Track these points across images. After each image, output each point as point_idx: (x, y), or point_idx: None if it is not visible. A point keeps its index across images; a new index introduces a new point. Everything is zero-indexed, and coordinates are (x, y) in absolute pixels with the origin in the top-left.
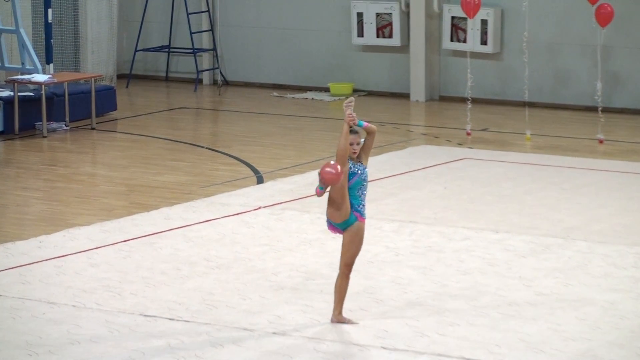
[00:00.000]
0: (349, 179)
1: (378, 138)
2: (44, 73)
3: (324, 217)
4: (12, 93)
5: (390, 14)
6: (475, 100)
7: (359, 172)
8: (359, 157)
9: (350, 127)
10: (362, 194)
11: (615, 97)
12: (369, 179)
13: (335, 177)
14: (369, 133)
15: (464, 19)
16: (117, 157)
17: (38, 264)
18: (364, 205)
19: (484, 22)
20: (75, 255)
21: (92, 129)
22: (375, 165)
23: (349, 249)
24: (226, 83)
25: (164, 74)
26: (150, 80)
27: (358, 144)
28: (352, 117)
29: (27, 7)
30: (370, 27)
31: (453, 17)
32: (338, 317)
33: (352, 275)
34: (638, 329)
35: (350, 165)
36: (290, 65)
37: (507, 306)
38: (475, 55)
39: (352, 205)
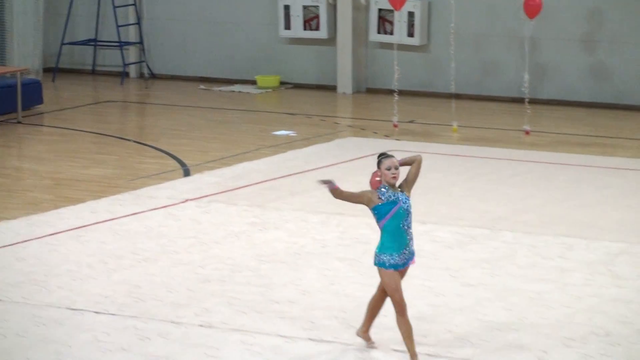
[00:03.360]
0: (389, 209)
1: (305, 130)
2: None
3: (251, 209)
4: None
5: (317, 6)
6: (402, 92)
7: (402, 201)
8: (401, 186)
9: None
10: (408, 226)
11: (542, 89)
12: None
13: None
14: (414, 162)
15: (391, 11)
16: (43, 151)
17: None
18: (410, 243)
19: (410, 14)
20: (1, 249)
21: (18, 122)
22: (302, 158)
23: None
24: (153, 76)
25: (90, 67)
26: (77, 73)
27: (396, 167)
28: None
29: None
30: (297, 20)
31: (380, 10)
32: (363, 335)
33: (278, 266)
34: (564, 319)
35: (391, 194)
36: (217, 58)
37: (434, 297)
38: (402, 47)
39: (386, 248)
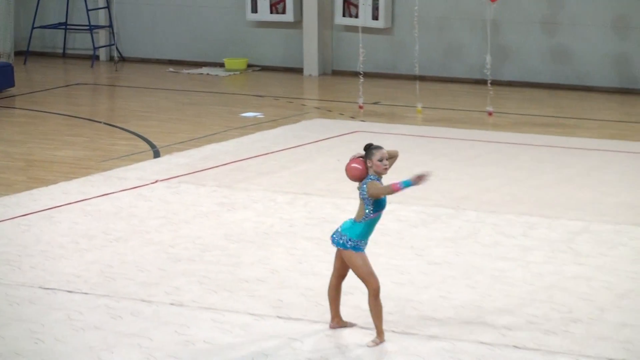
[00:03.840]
0: (385, 202)
1: (273, 112)
2: None
3: (219, 190)
4: None
5: None
6: (367, 74)
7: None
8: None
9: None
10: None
11: (504, 70)
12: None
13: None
14: (393, 157)
15: None
16: (15, 133)
17: None
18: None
19: None
20: None
21: None
22: (269, 139)
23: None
24: (123, 59)
25: (61, 51)
26: (48, 56)
27: (387, 158)
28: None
29: None
30: (264, 3)
31: None
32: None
33: (247, 246)
34: (527, 296)
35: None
36: (186, 41)
37: (399, 275)
38: (367, 30)
39: (363, 236)
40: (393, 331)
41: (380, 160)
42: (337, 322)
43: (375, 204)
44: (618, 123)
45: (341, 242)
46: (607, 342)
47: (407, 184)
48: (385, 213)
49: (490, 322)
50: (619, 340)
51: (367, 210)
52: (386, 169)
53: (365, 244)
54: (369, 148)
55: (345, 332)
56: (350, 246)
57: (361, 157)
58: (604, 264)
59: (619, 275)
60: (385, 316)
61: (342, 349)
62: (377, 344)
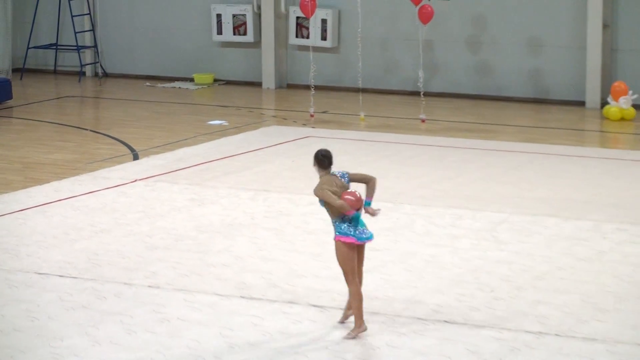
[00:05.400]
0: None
1: (236, 120)
2: None
3: (190, 187)
4: None
5: (245, 14)
6: (317, 87)
7: None
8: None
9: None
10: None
11: (434, 83)
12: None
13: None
14: (368, 182)
15: (307, 18)
16: (13, 139)
17: None
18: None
19: (323, 21)
20: None
21: None
22: (233, 143)
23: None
24: (106, 75)
25: (52, 68)
26: (41, 73)
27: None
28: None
29: None
30: (227, 26)
31: (298, 17)
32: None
33: (214, 236)
34: (456, 278)
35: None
36: (160, 59)
37: None
38: (316, 49)
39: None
40: (341, 308)
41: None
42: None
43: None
44: (532, 128)
45: (370, 235)
46: (525, 317)
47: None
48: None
49: (424, 300)
50: (534, 315)
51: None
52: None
53: (362, 232)
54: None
55: (298, 309)
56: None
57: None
58: (522, 249)
59: (535, 260)
60: (334, 295)
61: (297, 324)
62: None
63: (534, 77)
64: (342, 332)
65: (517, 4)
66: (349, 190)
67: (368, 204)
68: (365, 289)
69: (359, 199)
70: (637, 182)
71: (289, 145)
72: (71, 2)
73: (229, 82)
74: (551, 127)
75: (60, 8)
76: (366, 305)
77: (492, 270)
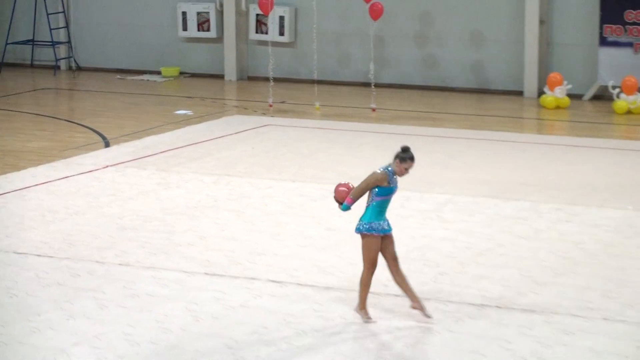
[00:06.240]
0: (390, 192)
1: (200, 110)
2: None
3: (158, 173)
4: None
5: (208, 12)
6: (275, 79)
7: (397, 188)
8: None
9: (406, 151)
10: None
11: (384, 75)
12: None
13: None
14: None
15: (266, 15)
16: None
17: None
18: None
19: (281, 18)
20: None
21: None
22: (198, 132)
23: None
24: (79, 68)
25: (29, 62)
26: (19, 67)
27: (410, 169)
28: None
29: None
30: (192, 23)
31: (257, 14)
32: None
33: (180, 217)
34: (405, 255)
35: (396, 181)
36: (130, 53)
37: (303, 239)
38: (275, 44)
39: (375, 217)
40: (298, 284)
41: (406, 168)
42: (415, 304)
43: (380, 189)
44: (475, 116)
45: (358, 227)
46: (468, 290)
47: (345, 208)
48: (290, 190)
49: (375, 276)
50: (477, 288)
51: (373, 194)
52: (403, 175)
53: (379, 224)
54: (407, 151)
55: (258, 284)
56: (364, 228)
57: (397, 156)
58: (465, 228)
59: (477, 237)
60: (291, 271)
61: (257, 299)
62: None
63: (476, 69)
64: (299, 305)
65: (461, 1)
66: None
67: (345, 207)
68: (320, 265)
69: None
70: (572, 165)
71: (249, 133)
72: (46, 0)
73: (193, 75)
74: (492, 115)
75: (37, 6)
76: (321, 280)
77: (437, 248)
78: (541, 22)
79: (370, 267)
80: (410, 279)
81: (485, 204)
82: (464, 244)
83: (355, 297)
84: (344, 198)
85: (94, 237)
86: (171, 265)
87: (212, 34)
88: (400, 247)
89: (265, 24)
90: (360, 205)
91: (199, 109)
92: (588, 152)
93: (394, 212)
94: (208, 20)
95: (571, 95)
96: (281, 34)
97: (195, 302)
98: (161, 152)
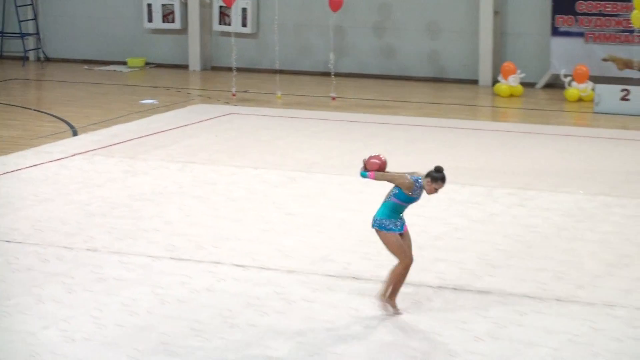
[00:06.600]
0: (409, 201)
1: (165, 99)
2: None
3: (124, 160)
4: None
5: (173, 4)
6: (238, 69)
7: (419, 199)
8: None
9: (440, 171)
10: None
11: (343, 65)
12: None
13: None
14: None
15: (229, 7)
16: None
17: None
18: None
19: (244, 10)
20: None
21: None
22: (163, 120)
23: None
24: (47, 60)
25: None
26: None
27: (438, 191)
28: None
29: None
30: (157, 15)
31: (220, 6)
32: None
33: (146, 203)
34: (364, 239)
35: (418, 194)
36: (97, 44)
37: (265, 224)
38: (238, 35)
39: (388, 215)
40: (261, 267)
41: (436, 189)
42: (389, 299)
43: (399, 193)
44: (431, 104)
45: (372, 222)
46: (425, 273)
47: (363, 175)
48: (252, 176)
49: (336, 259)
50: (434, 271)
51: (392, 193)
52: (431, 193)
53: (394, 224)
54: (440, 171)
55: (223, 268)
56: (375, 224)
57: (428, 174)
58: (422, 212)
59: (434, 221)
60: (253, 255)
61: (220, 282)
62: (391, 307)
63: (433, 58)
64: (261, 288)
65: None
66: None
67: (364, 174)
68: (282, 249)
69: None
70: (525, 151)
71: (213, 121)
72: None
73: (159, 65)
74: (448, 103)
75: None
76: (283, 263)
77: None
78: (495, 13)
79: (402, 259)
80: (369, 261)
81: (441, 189)
82: (421, 228)
83: (320, 278)
84: (372, 169)
85: (62, 224)
86: (138, 250)
87: (177, 25)
88: (360, 232)
89: (229, 16)
90: (416, 206)
91: (164, 99)
92: (541, 139)
93: (354, 198)
94: (173, 12)
95: (524, 84)
96: (244, 25)
97: (161, 285)
98: (128, 140)
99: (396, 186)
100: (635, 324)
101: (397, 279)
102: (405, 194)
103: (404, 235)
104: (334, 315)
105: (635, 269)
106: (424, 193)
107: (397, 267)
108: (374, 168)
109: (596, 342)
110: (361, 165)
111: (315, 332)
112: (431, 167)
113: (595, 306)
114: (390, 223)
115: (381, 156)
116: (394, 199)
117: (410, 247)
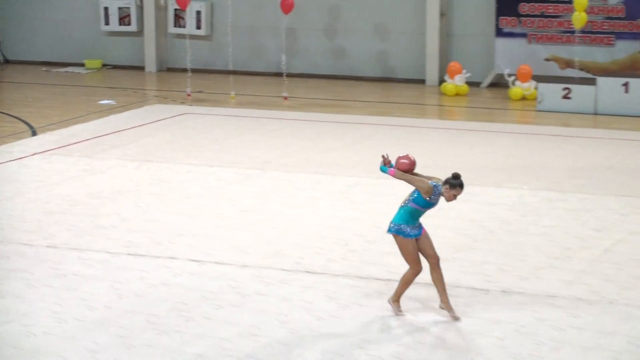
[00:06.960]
0: (427, 206)
1: (122, 100)
2: None
3: (83, 159)
4: None
5: (129, 7)
6: (193, 70)
7: (437, 204)
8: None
9: (457, 178)
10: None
11: (295, 65)
12: None
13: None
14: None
15: (183, 10)
16: None
17: None
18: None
19: (198, 13)
20: None
21: None
22: (120, 120)
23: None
24: (7, 61)
25: None
26: None
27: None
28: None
29: None
30: (114, 17)
31: (175, 9)
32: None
33: (104, 201)
34: (316, 234)
35: (437, 199)
36: (55, 47)
37: (219, 220)
38: (193, 37)
39: (405, 220)
40: (216, 262)
41: (455, 195)
42: (394, 301)
43: (418, 198)
44: (380, 103)
45: (389, 227)
46: (375, 266)
47: (383, 170)
48: (208, 174)
49: (288, 254)
50: (383, 264)
51: (411, 197)
52: (450, 200)
53: (411, 229)
54: (457, 178)
55: (179, 264)
56: (393, 229)
57: (446, 182)
58: (372, 208)
59: (383, 217)
60: (207, 250)
61: (176, 277)
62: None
63: (381, 59)
64: (216, 282)
65: None
66: (407, 155)
67: (384, 169)
68: (236, 244)
69: (397, 162)
70: (471, 148)
71: (168, 121)
72: None
73: (115, 67)
74: (396, 102)
75: None
76: (237, 258)
77: (346, 227)
78: (441, 14)
79: (413, 266)
80: (321, 255)
81: (390, 185)
82: (371, 223)
83: (273, 272)
84: (400, 169)
85: (22, 221)
86: (96, 247)
87: (133, 27)
88: (312, 227)
89: (183, 18)
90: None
91: (121, 99)
92: (485, 136)
93: (304, 194)
94: (129, 15)
95: (470, 83)
96: (198, 27)
97: (119, 280)
98: (86, 140)
99: (415, 190)
100: (577, 313)
101: (404, 283)
102: (423, 198)
103: (422, 237)
104: (287, 308)
105: (577, 261)
106: (442, 199)
107: (407, 272)
108: (403, 168)
109: (540, 332)
110: (381, 160)
111: (269, 325)
112: (378, 164)
113: (538, 297)
114: (408, 228)
115: (411, 156)
116: (412, 204)
117: (433, 247)
